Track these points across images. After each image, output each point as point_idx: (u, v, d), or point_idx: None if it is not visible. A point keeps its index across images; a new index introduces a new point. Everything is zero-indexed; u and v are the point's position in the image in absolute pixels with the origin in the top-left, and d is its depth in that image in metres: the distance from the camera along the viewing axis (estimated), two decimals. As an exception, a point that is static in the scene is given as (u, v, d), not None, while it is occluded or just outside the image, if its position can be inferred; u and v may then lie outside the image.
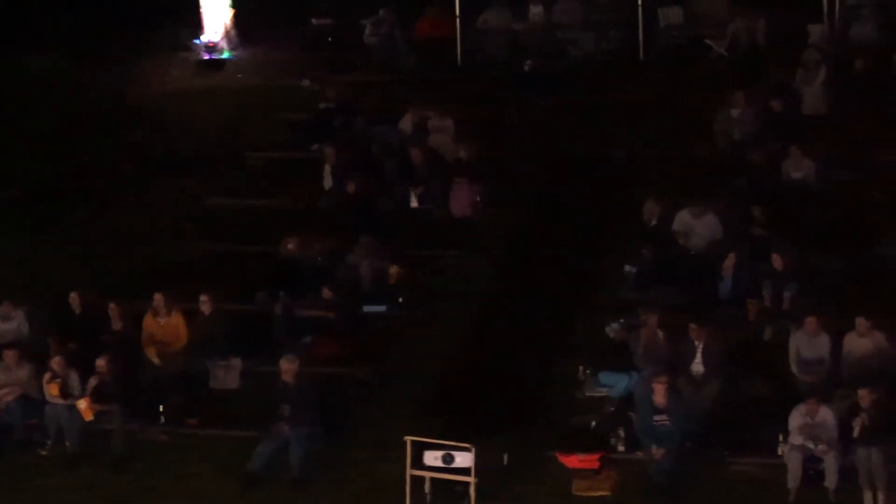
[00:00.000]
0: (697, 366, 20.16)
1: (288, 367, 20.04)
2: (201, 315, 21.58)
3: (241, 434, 20.28)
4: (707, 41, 27.89)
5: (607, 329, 20.87)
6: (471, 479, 18.79)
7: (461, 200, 24.17)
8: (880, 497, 18.52)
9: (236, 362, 21.28)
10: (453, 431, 19.08)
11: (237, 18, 29.97)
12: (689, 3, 28.58)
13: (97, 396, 20.29)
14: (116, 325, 21.57)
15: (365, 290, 22.48)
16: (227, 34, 29.96)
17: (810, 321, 20.11)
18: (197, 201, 25.27)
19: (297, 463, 19.62)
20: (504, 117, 26.42)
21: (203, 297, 21.57)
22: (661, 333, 20.44)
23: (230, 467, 19.85)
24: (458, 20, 28.61)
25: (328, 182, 24.80)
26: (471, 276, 23.04)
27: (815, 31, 27.25)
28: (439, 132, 25.49)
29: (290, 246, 22.78)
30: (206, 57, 29.82)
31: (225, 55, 29.89)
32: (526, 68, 27.61)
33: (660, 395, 19.26)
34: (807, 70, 25.62)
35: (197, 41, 29.97)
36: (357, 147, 25.40)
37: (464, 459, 18.84)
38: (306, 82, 28.13)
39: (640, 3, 28.18)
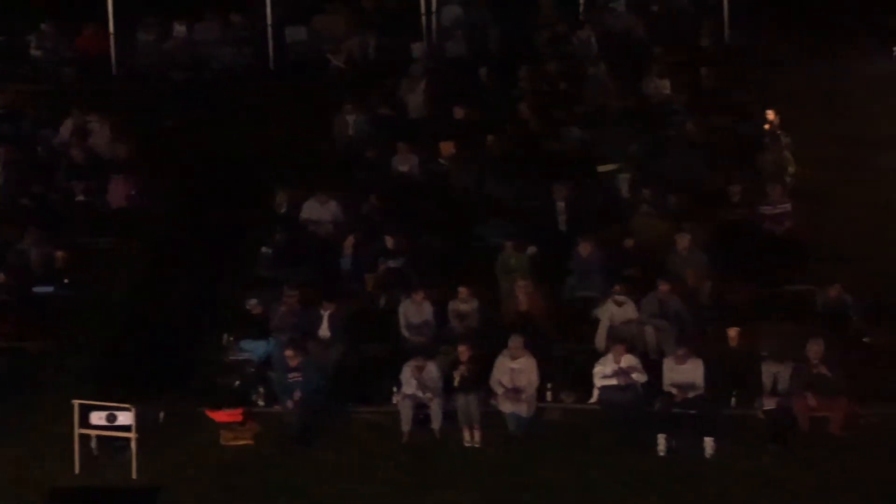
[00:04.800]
0: (324, 331, 20.27)
1: (-33, 342, 19.48)
2: None
3: (-76, 404, 19.53)
4: (327, 55, 27.95)
5: (247, 303, 20.76)
6: (132, 435, 18.54)
7: (118, 193, 23.67)
8: (476, 433, 19.01)
9: (-81, 340, 20.48)
10: (116, 394, 18.75)
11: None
12: (312, 22, 28.57)
13: None
14: None
15: (35, 273, 21.88)
16: None
17: (417, 291, 20.47)
18: None
19: (-23, 427, 19.05)
20: (155, 121, 25.99)
21: None
22: (293, 304, 20.49)
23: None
24: (112, 36, 28.01)
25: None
26: (128, 259, 22.66)
27: (417, 47, 27.61)
28: (98, 134, 24.92)
29: (-33, 236, 22.08)
30: None
31: None
32: (173, 79, 27.24)
33: (292, 356, 19.34)
34: (410, 80, 25.99)
35: None
36: (24, 149, 24.64)
37: (125, 418, 18.56)
38: (-23, 92, 27.10)
39: (269, 22, 28.09)
